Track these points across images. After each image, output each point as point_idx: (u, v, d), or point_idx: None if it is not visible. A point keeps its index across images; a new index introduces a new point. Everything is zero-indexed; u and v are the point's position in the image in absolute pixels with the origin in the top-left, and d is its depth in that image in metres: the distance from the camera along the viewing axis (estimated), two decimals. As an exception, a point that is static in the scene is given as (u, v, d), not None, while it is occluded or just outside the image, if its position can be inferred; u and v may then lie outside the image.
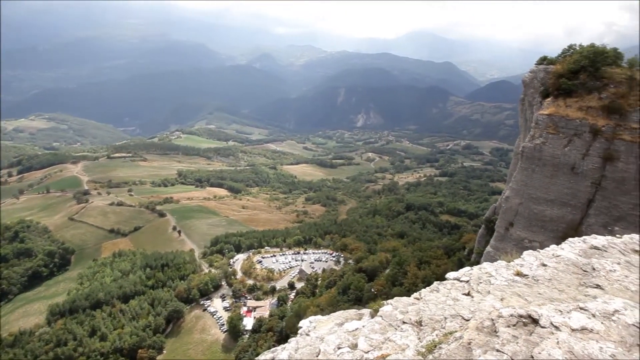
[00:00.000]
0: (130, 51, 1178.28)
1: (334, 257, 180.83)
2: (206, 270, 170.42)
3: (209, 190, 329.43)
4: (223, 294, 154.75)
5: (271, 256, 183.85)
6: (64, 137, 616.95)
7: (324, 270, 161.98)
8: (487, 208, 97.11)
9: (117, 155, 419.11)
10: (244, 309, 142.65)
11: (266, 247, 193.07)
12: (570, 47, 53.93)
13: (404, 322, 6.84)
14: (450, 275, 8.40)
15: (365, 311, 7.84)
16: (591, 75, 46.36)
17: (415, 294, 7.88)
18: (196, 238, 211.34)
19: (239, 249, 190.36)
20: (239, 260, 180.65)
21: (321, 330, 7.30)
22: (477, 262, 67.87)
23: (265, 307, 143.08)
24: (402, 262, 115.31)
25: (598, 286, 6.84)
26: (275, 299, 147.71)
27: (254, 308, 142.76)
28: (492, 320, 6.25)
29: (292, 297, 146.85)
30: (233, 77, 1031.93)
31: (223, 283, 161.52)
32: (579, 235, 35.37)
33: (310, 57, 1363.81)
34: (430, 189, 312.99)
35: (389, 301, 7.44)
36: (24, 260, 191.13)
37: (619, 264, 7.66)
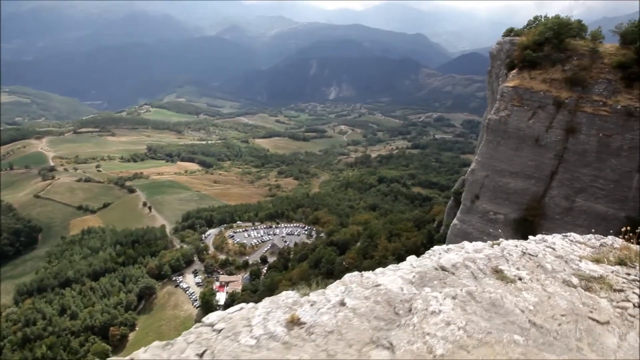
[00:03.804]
0: (91, 22, 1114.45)
1: (306, 230, 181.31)
2: (178, 246, 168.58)
3: (179, 165, 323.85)
4: (195, 270, 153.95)
5: (243, 230, 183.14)
6: (27, 111, 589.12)
7: (296, 244, 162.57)
8: (457, 180, 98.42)
9: (84, 130, 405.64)
10: (217, 284, 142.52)
11: (238, 222, 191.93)
12: (535, 18, 53.88)
13: None
14: (208, 318, 5.57)
15: None
16: (555, 47, 46.39)
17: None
18: (167, 214, 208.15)
19: (210, 224, 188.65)
20: (210, 235, 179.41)
21: None
22: (446, 235, 68.84)
23: (237, 282, 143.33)
24: (373, 235, 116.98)
25: (391, 346, 4.43)
26: (248, 273, 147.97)
27: (227, 283, 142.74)
28: None
29: (265, 271, 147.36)
30: (202, 49, 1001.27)
31: (195, 258, 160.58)
32: (542, 207, 35.38)
33: (281, 29, 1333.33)
34: (402, 162, 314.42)
35: None
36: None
37: (454, 298, 5.30)
